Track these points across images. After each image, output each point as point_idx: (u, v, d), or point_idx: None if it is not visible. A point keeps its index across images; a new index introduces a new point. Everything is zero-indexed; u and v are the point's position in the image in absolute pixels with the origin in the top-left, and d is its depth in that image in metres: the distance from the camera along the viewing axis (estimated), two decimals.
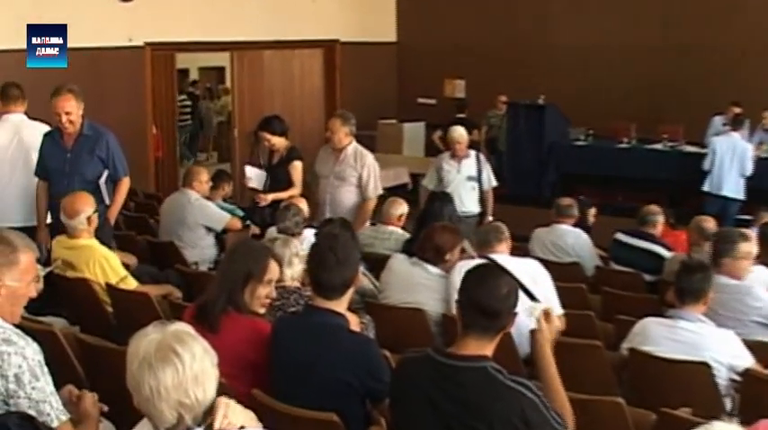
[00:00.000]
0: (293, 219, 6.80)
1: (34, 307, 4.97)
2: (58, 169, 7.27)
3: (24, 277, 3.45)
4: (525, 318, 5.51)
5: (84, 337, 4.97)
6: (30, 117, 7.89)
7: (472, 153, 9.96)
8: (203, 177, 8.52)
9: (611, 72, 15.31)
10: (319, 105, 16.70)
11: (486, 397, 3.27)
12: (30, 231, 6.67)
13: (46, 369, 3.32)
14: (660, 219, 8.01)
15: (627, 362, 5.27)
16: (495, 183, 10.05)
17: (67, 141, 7.27)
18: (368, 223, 8.34)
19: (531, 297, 5.74)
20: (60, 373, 3.61)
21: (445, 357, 3.41)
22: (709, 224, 7.59)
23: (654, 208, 8.09)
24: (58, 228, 7.05)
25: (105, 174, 7.29)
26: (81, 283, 6.12)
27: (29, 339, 3.33)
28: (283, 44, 15.57)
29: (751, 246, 6.10)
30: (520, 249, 7.36)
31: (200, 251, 8.14)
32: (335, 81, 16.77)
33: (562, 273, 6.98)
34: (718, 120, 13.35)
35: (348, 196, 8.38)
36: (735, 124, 12.32)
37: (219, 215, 8.36)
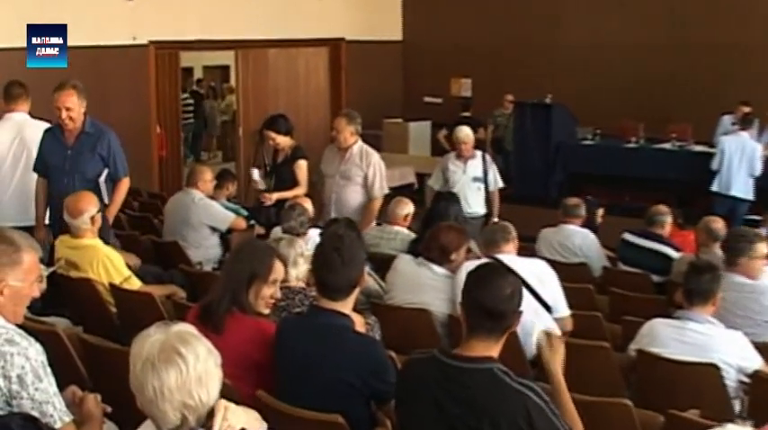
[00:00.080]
0: (298, 218, 6.80)
1: (37, 307, 5.00)
2: (58, 166, 7.24)
3: (28, 277, 3.45)
4: (532, 318, 5.56)
5: (88, 338, 4.97)
6: (32, 116, 7.89)
7: (478, 153, 9.90)
8: (207, 176, 8.52)
9: (619, 71, 15.28)
10: (324, 104, 16.71)
11: (491, 398, 3.27)
12: (31, 231, 6.70)
13: (49, 370, 3.32)
14: (668, 219, 8.00)
15: (634, 363, 5.27)
16: (501, 185, 9.99)
17: (68, 138, 7.24)
18: (373, 223, 8.33)
19: (538, 298, 5.74)
20: (63, 374, 3.61)
21: (451, 358, 3.40)
22: (718, 225, 7.58)
23: (662, 208, 8.07)
24: (56, 227, 7.07)
25: (105, 172, 7.26)
26: (84, 283, 6.12)
27: (32, 340, 3.33)
28: (288, 42, 15.58)
29: (765, 247, 6.14)
30: (527, 249, 7.35)
31: (205, 251, 8.14)
32: (341, 80, 16.78)
33: (569, 273, 6.98)
34: (727, 120, 13.32)
35: (354, 196, 8.38)
36: (744, 123, 12.29)
37: (224, 215, 8.36)
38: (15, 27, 9.66)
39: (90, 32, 12.30)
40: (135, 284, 6.19)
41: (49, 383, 3.29)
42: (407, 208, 7.89)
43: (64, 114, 7.10)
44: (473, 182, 9.71)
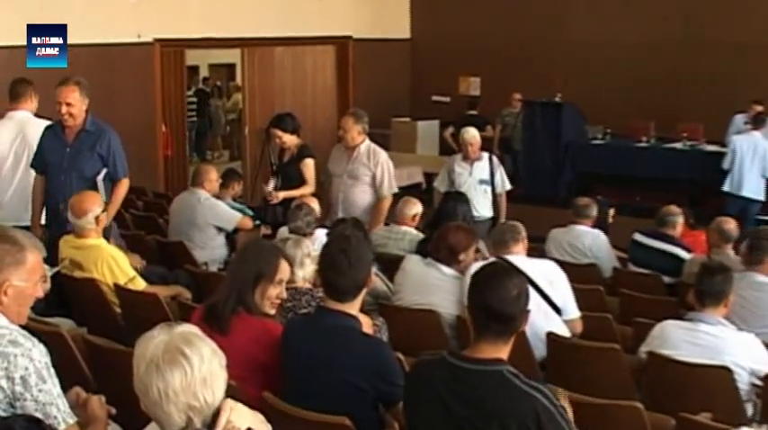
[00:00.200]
0: (305, 218, 6.79)
1: (41, 307, 5.01)
2: (56, 164, 7.19)
3: (31, 277, 3.45)
4: (542, 320, 5.56)
5: (92, 339, 4.97)
6: (37, 115, 7.90)
7: (485, 155, 9.79)
8: (213, 176, 8.51)
9: (630, 69, 15.23)
10: (332, 103, 16.70)
11: (501, 400, 3.26)
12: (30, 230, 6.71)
13: (53, 371, 3.31)
14: (679, 220, 7.97)
15: (645, 365, 5.25)
16: (508, 187, 9.88)
17: (69, 136, 7.19)
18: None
19: (548, 300, 5.73)
20: (67, 375, 3.61)
21: (460, 360, 3.39)
22: (731, 226, 7.57)
23: (673, 208, 8.05)
24: (52, 226, 7.07)
25: (104, 172, 7.18)
26: (89, 284, 6.12)
27: (35, 341, 3.32)
28: (295, 40, 15.58)
29: None
30: (536, 250, 7.34)
31: (211, 251, 8.14)
32: (348, 78, 16.78)
33: (579, 274, 6.97)
34: (739, 119, 13.28)
35: (362, 196, 8.38)
36: (756, 123, 12.25)
37: (230, 214, 8.36)
38: (18, 25, 9.66)
39: (95, 30, 12.32)
40: (140, 285, 6.20)
41: (53, 385, 3.29)
42: (416, 208, 7.88)
43: (64, 109, 7.06)
44: (479, 184, 9.58)
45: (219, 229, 8.27)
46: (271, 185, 8.50)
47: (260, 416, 2.94)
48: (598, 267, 8.00)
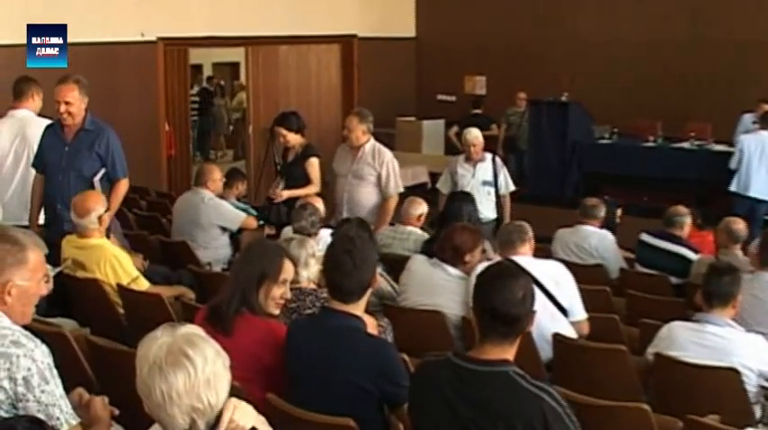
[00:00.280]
0: (309, 218, 6.79)
1: (43, 308, 5.01)
2: (55, 163, 7.17)
3: (34, 275, 3.45)
4: (548, 322, 5.55)
5: (95, 339, 4.98)
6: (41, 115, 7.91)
7: (488, 156, 9.75)
8: (216, 176, 8.50)
9: (637, 68, 15.20)
10: (336, 102, 16.70)
11: (507, 402, 3.26)
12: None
13: (56, 372, 3.31)
14: (687, 220, 7.95)
15: (652, 367, 5.25)
16: (512, 188, 9.84)
17: (68, 134, 7.17)
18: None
19: (554, 301, 5.73)
20: (70, 376, 3.61)
21: (466, 361, 3.39)
22: (739, 226, 7.56)
23: (681, 209, 8.04)
24: (50, 226, 7.06)
25: (102, 172, 7.15)
26: (92, 284, 6.13)
27: (38, 341, 3.33)
28: (299, 39, 15.59)
29: None
30: (542, 250, 7.33)
31: (214, 251, 8.14)
32: (353, 77, 16.77)
33: (586, 275, 6.96)
34: (747, 118, 13.24)
35: (367, 196, 8.37)
36: (764, 122, 12.19)
37: (234, 214, 8.35)
38: (20, 24, 9.67)
39: (97, 29, 12.34)
40: (143, 285, 6.20)
41: (56, 385, 3.29)
42: (421, 208, 7.89)
43: (63, 108, 7.04)
44: (483, 186, 9.54)
45: (223, 229, 8.27)
46: (280, 186, 8.51)
47: (261, 418, 2.93)
48: (605, 268, 7.99)
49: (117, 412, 3.43)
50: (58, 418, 3.25)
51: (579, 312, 5.88)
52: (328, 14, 15.82)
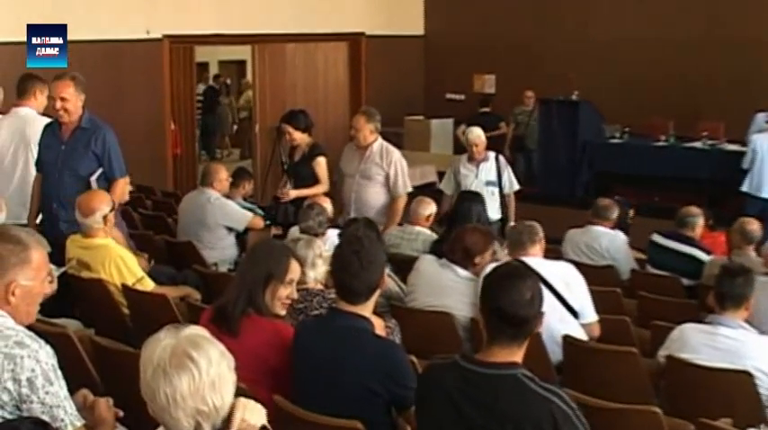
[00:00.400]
0: (316, 218, 6.78)
1: (48, 308, 5.01)
2: (51, 162, 7.14)
3: (38, 275, 3.45)
4: (558, 324, 5.54)
5: (100, 340, 4.98)
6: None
7: (491, 155, 9.65)
8: (222, 175, 8.49)
9: (649, 66, 15.16)
10: (344, 101, 16.70)
11: (516, 404, 3.25)
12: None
13: (60, 373, 3.31)
14: (699, 221, 7.93)
15: (664, 369, 5.24)
16: (516, 187, 9.73)
17: (65, 133, 7.13)
18: None
19: (565, 303, 5.72)
20: (75, 377, 3.62)
21: (473, 364, 3.38)
22: (754, 226, 7.54)
23: (693, 209, 8.02)
24: (47, 226, 7.05)
25: (99, 171, 7.09)
26: (96, 284, 6.13)
27: (42, 342, 3.33)
28: (307, 37, 15.59)
29: None
30: (552, 251, 7.32)
31: (221, 251, 8.14)
32: (361, 76, 16.77)
33: (596, 276, 6.95)
34: (761, 118, 13.19)
35: (375, 196, 8.37)
36: None
37: (241, 214, 8.35)
38: (24, 21, 9.68)
39: (103, 26, 12.36)
40: (148, 285, 6.20)
41: (60, 387, 3.29)
42: (430, 208, 7.88)
43: (59, 105, 7.00)
44: (486, 186, 9.41)
45: (230, 229, 8.27)
46: (287, 186, 8.51)
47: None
48: (615, 269, 7.98)
49: (121, 414, 3.43)
50: (62, 420, 3.26)
51: (590, 314, 5.87)
52: (336, 12, 15.82)
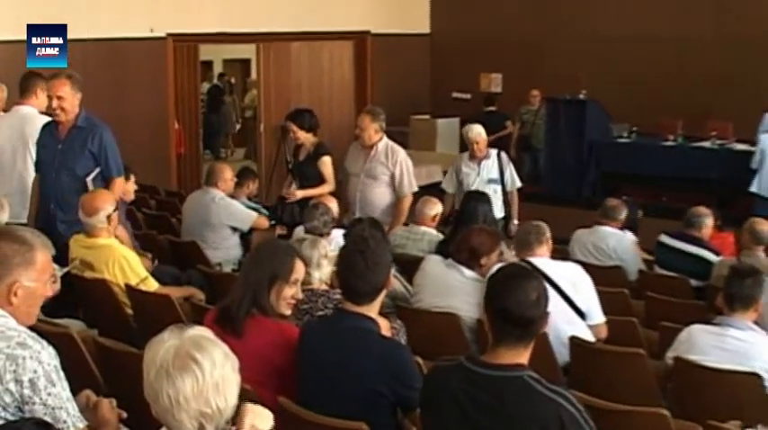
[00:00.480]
0: (321, 218, 6.78)
1: (51, 309, 5.02)
2: (48, 161, 7.11)
3: (41, 277, 3.45)
4: (565, 325, 5.54)
5: (103, 341, 4.98)
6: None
7: (493, 152, 9.60)
8: (228, 175, 8.48)
9: (657, 65, 15.13)
10: (349, 100, 16.69)
11: (522, 406, 3.24)
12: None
13: (62, 374, 3.31)
14: (708, 221, 7.91)
15: (672, 371, 5.23)
16: (518, 184, 9.69)
17: (61, 132, 7.08)
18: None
19: (572, 304, 5.72)
20: (77, 378, 3.62)
21: (479, 366, 3.37)
22: (764, 227, 7.51)
23: (702, 209, 8.00)
24: (44, 227, 7.04)
25: (96, 171, 7.03)
26: (100, 284, 6.13)
27: (44, 343, 3.33)
28: (312, 35, 15.58)
29: None
30: (559, 252, 7.32)
31: (225, 251, 8.14)
32: (366, 75, 16.76)
33: (604, 276, 6.95)
34: None
35: (380, 196, 8.37)
36: None
37: (246, 214, 8.35)
38: (26, 19, 9.68)
39: (106, 24, 12.36)
40: (152, 286, 6.21)
41: (63, 388, 3.29)
42: (436, 208, 7.88)
43: (55, 103, 6.94)
44: (488, 184, 9.33)
45: (234, 229, 8.27)
46: (293, 186, 8.51)
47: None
48: (623, 269, 7.97)
49: (125, 415, 3.43)
50: (64, 421, 3.25)
51: (597, 315, 5.86)
52: (341, 10, 15.81)
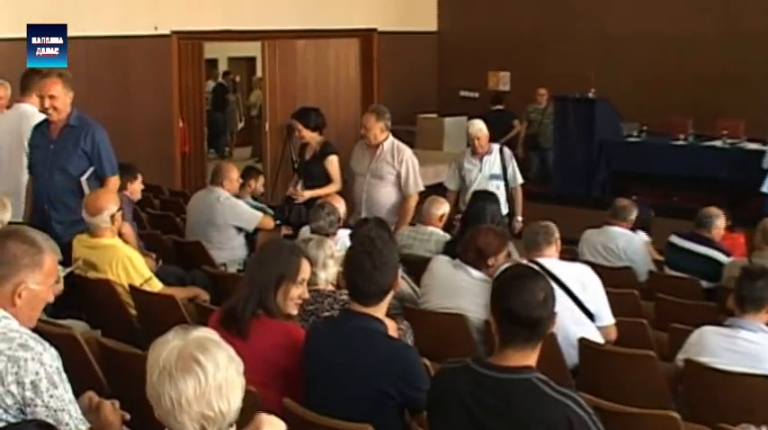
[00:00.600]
0: (327, 218, 6.77)
1: (54, 309, 5.02)
2: (41, 161, 7.10)
3: (47, 280, 3.45)
4: (573, 326, 5.53)
5: (107, 342, 4.98)
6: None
7: (495, 148, 9.56)
8: (233, 175, 8.47)
9: (667, 63, 15.11)
10: (355, 98, 16.68)
11: (530, 409, 3.24)
12: None
13: (64, 376, 3.31)
14: (719, 222, 7.88)
15: (682, 373, 5.22)
16: (521, 180, 9.65)
17: (53, 132, 7.06)
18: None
19: (581, 305, 5.71)
20: (80, 380, 3.62)
21: (486, 368, 3.37)
22: None
23: (713, 210, 7.98)
24: (36, 227, 7.02)
25: (90, 170, 7.02)
26: (103, 285, 6.14)
27: (46, 344, 3.32)
28: (318, 33, 15.57)
29: None
30: (568, 252, 7.31)
31: (230, 252, 8.14)
32: (373, 73, 16.75)
33: (613, 277, 6.94)
34: None
35: (386, 195, 8.37)
36: None
37: (251, 214, 8.34)
38: (28, 18, 9.68)
39: (110, 22, 12.37)
40: (156, 286, 6.21)
41: (65, 390, 3.29)
42: (443, 208, 7.87)
43: (47, 103, 6.93)
44: (491, 180, 9.34)
45: (239, 229, 8.26)
46: (299, 186, 8.51)
47: None
48: (633, 270, 7.96)
49: (128, 417, 3.43)
50: (67, 424, 3.25)
51: (606, 317, 5.85)
52: (347, 8, 15.80)
